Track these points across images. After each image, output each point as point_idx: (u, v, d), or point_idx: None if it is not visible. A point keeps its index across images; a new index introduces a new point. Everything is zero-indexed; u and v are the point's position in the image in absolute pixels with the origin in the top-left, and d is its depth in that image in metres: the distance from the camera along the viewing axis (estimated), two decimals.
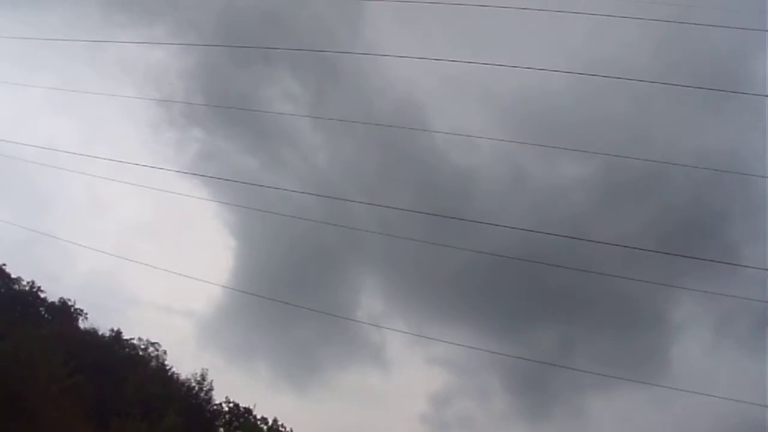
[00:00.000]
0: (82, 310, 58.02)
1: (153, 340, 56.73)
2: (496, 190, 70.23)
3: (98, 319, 58.89)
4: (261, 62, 69.66)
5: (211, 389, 53.73)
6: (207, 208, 67.28)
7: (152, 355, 56.16)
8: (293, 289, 69.97)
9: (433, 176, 70.62)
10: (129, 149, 72.13)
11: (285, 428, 53.40)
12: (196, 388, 53.07)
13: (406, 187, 70.76)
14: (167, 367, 55.72)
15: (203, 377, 53.45)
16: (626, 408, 59.15)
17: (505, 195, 69.65)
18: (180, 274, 55.92)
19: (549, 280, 52.77)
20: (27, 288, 56.93)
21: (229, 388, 55.32)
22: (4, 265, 56.91)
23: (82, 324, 57.33)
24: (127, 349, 55.54)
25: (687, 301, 57.51)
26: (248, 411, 54.39)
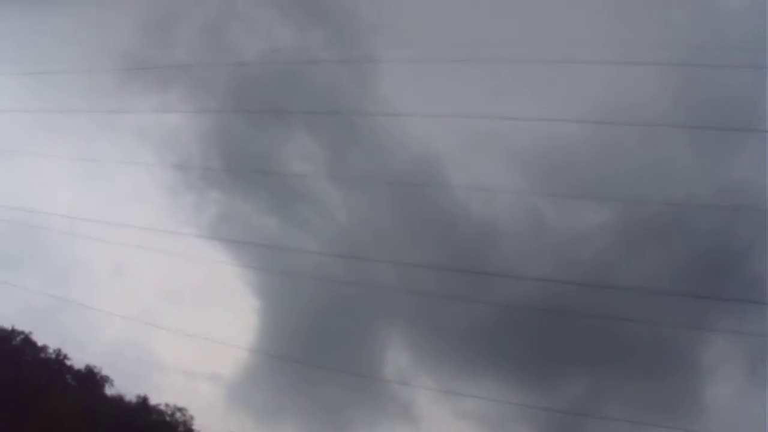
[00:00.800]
0: (108, 377, 57.91)
1: (180, 406, 56.29)
2: (518, 239, 70.16)
3: (124, 385, 58.61)
4: (276, 123, 71.06)
5: None
6: (229, 270, 67.22)
7: (179, 420, 55.65)
8: (318, 348, 69.53)
9: (455, 229, 70.76)
10: (148, 215, 73.16)
11: None
12: None
13: (427, 241, 70.96)
14: None
15: None
16: None
17: (528, 243, 69.55)
18: (205, 338, 56.29)
19: (576, 327, 52.24)
20: (53, 356, 57.11)
21: None
22: (31, 333, 57.37)
23: (109, 390, 57.18)
24: (154, 415, 55.09)
25: (717, 341, 56.53)
26: None
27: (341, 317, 71.80)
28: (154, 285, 78.91)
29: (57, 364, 56.80)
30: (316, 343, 72.02)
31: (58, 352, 56.92)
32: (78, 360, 57.59)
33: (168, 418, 55.60)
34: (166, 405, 56.26)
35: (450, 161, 71.30)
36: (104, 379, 57.62)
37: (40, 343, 57.07)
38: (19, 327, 56.92)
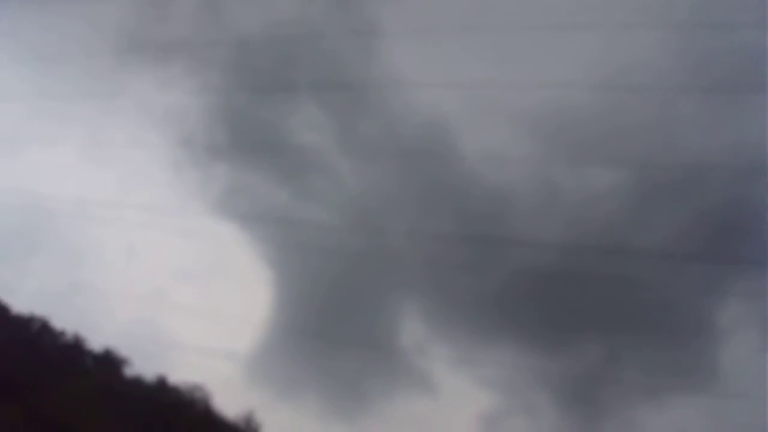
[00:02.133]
0: (126, 359, 58.59)
1: (198, 384, 56.82)
2: (529, 204, 69.35)
3: (142, 365, 59.32)
4: (282, 93, 70.04)
5: (258, 429, 53.54)
6: (241, 245, 67.09)
7: (198, 398, 56.22)
8: (335, 319, 69.74)
9: (466, 195, 70.01)
10: (157, 194, 73.09)
11: None
12: (244, 430, 52.92)
13: (438, 208, 70.34)
14: (214, 410, 55.67)
15: (250, 417, 53.32)
16: (680, 417, 57.31)
17: (539, 208, 68.74)
18: (220, 315, 56.56)
19: (591, 291, 51.79)
20: (71, 340, 57.83)
21: (279, 425, 55.03)
22: (48, 319, 58.07)
23: (127, 371, 57.88)
24: (173, 394, 55.71)
25: (733, 303, 55.82)
26: None
27: (355, 288, 71.79)
28: (167, 264, 79.41)
29: (75, 348, 57.62)
30: (331, 314, 72.28)
31: (75, 336, 57.74)
32: (95, 343, 58.47)
33: (186, 397, 56.20)
34: (184, 383, 56.84)
35: (459, 127, 70.34)
36: (122, 360, 58.45)
37: (58, 328, 58.00)
38: (37, 313, 57.78)
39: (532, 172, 62.86)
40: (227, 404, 56.15)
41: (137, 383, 55.26)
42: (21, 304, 58.32)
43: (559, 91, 46.18)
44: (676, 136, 58.14)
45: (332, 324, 70.55)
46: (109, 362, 57.51)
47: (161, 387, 55.71)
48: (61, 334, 57.83)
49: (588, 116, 59.91)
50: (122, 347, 59.10)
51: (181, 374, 58.09)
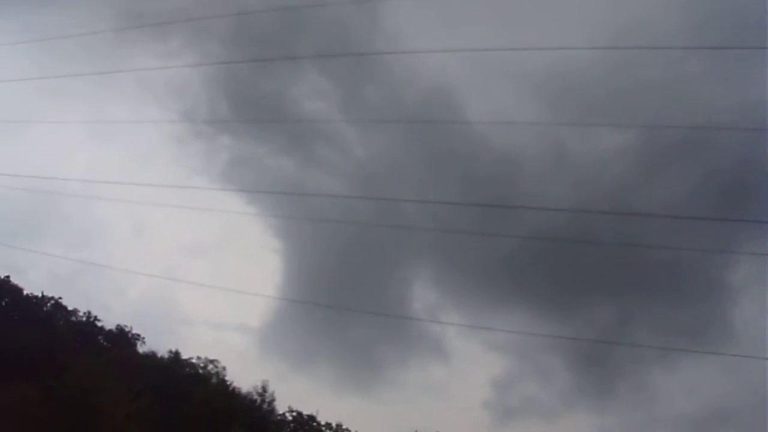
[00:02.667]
0: (139, 335, 59.02)
1: (211, 358, 57.13)
2: (538, 168, 68.74)
3: (155, 342, 59.72)
4: (284, 62, 68.86)
5: (273, 400, 53.81)
6: (248, 218, 66.62)
7: (212, 372, 56.55)
8: (346, 288, 69.85)
9: (475, 159, 69.27)
10: (162, 169, 72.78)
11: None
12: (258, 401, 53.32)
13: (447, 172, 69.74)
14: (228, 383, 56.01)
15: (264, 389, 53.65)
16: (693, 378, 57.39)
17: (548, 172, 68.13)
18: (230, 289, 56.55)
19: (602, 254, 51.38)
20: (84, 319, 58.26)
21: (294, 395, 55.52)
22: (60, 298, 58.46)
23: (141, 348, 58.37)
24: (187, 369, 56.07)
25: (743, 262, 55.39)
26: (312, 418, 54.40)
27: (365, 257, 71.57)
28: (175, 240, 79.51)
29: (89, 326, 58.04)
30: (342, 283, 72.31)
31: (88, 314, 58.16)
32: (108, 321, 58.89)
33: (201, 371, 56.54)
34: (198, 358, 57.14)
35: (465, 91, 69.43)
36: (135, 338, 58.88)
37: (70, 307, 58.44)
38: (48, 293, 58.13)
39: (540, 136, 62.10)
40: (241, 376, 56.56)
41: (151, 359, 55.63)
42: (32, 285, 58.66)
43: (564, 53, 45.34)
44: (683, 96, 57.33)
45: (343, 293, 70.68)
46: (123, 339, 57.94)
47: (175, 362, 56.06)
48: (74, 313, 58.27)
49: (594, 77, 59.07)
50: (135, 324, 59.62)
51: (194, 349, 58.51)
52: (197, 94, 73.52)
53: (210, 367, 56.93)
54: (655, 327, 60.47)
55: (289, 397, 54.55)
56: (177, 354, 56.54)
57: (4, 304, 56.92)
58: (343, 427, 53.56)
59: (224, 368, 56.85)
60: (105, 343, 57.50)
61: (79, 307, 58.60)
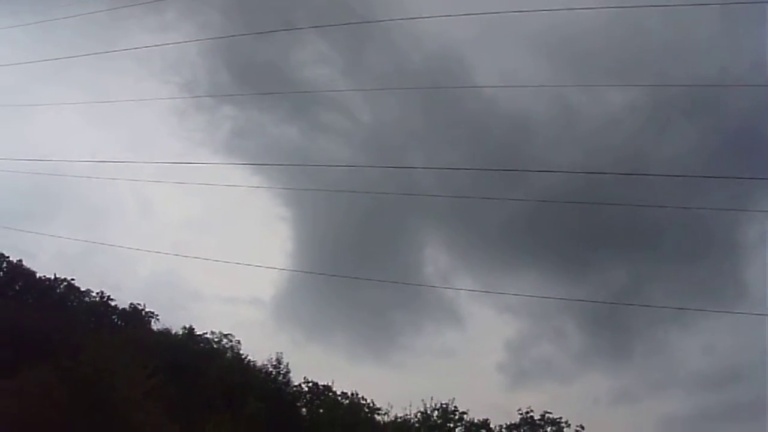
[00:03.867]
0: (153, 313, 59.48)
1: (225, 332, 57.53)
2: (548, 130, 67.71)
3: (168, 319, 60.26)
4: (284, 28, 67.09)
5: (288, 372, 54.10)
6: (255, 187, 65.71)
7: (227, 346, 57.05)
8: (357, 254, 69.69)
9: (482, 124, 68.24)
10: (165, 145, 72.37)
11: (366, 400, 53.76)
12: (274, 373, 53.72)
13: (454, 138, 68.81)
14: (243, 356, 56.50)
15: (279, 361, 53.94)
16: (710, 337, 57.23)
17: (558, 133, 67.16)
18: (241, 262, 56.48)
19: (613, 215, 50.84)
20: (97, 299, 58.76)
21: (310, 365, 55.91)
22: (73, 279, 58.89)
23: (155, 326, 58.89)
24: (201, 344, 56.61)
25: (756, 220, 54.73)
26: (327, 388, 54.83)
27: (375, 223, 71.13)
28: (183, 216, 79.53)
29: (103, 306, 58.58)
30: (354, 247, 72.07)
31: (101, 294, 58.66)
32: (121, 300, 59.36)
33: (216, 346, 57.03)
34: (212, 333, 57.56)
35: (471, 54, 68.15)
36: (149, 315, 59.39)
37: (83, 288, 58.93)
38: (60, 275, 58.56)
39: (548, 97, 61.02)
40: (256, 349, 56.90)
41: (166, 336, 56.13)
42: (44, 268, 59.05)
43: (571, 13, 44.10)
44: (694, 54, 56.02)
45: (354, 259, 70.54)
46: (137, 317, 58.46)
47: (190, 338, 56.54)
48: (87, 293, 58.78)
49: (602, 37, 57.77)
50: (147, 302, 60.04)
51: (208, 324, 58.90)
52: (196, 65, 72.46)
53: (224, 341, 57.46)
54: (670, 287, 60.26)
55: (305, 367, 54.97)
56: (191, 330, 57.08)
57: (18, 287, 57.52)
58: (359, 395, 54.03)
59: (239, 342, 57.43)
60: (119, 322, 58.07)
61: (91, 288, 59.17)
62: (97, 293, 58.85)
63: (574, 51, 61.03)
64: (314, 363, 61.67)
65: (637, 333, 62.71)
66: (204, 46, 65.04)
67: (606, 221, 55.26)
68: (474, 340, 70.11)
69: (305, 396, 54.69)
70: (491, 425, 51.74)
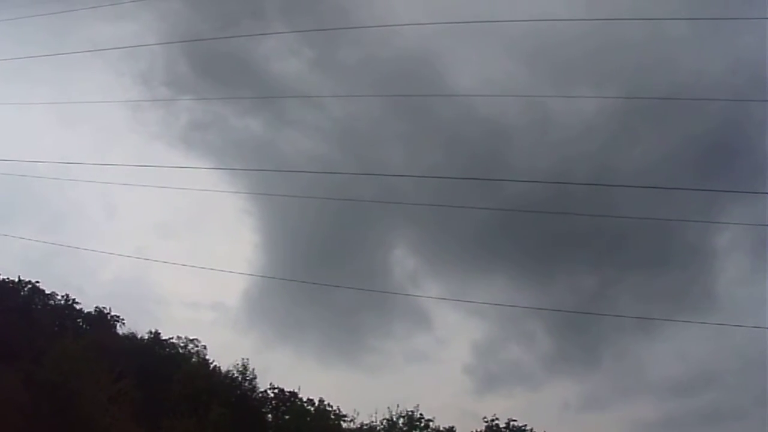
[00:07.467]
0: (118, 317, 58.97)
1: (191, 337, 57.39)
2: (521, 135, 68.12)
3: (134, 323, 59.62)
4: (249, 17, 65.22)
5: (254, 377, 54.10)
6: (220, 187, 64.29)
7: (192, 351, 56.97)
8: (326, 254, 69.27)
9: (455, 127, 68.41)
10: (122, 140, 70.79)
11: (332, 407, 53.95)
12: (239, 379, 53.71)
13: (426, 141, 68.84)
14: (209, 362, 56.33)
15: (245, 366, 53.92)
16: (680, 343, 58.19)
17: (531, 139, 67.60)
18: (206, 267, 56.07)
19: (581, 221, 51.62)
20: (62, 302, 58.10)
21: (278, 369, 55.55)
22: (38, 282, 58.12)
23: (121, 330, 58.40)
24: (167, 349, 56.41)
25: (725, 228, 56.01)
26: (294, 394, 54.91)
27: (345, 222, 70.63)
28: (147, 219, 78.19)
29: (67, 309, 57.93)
30: (322, 249, 71.73)
31: (66, 297, 57.99)
32: (86, 304, 58.66)
33: (181, 350, 56.88)
34: (178, 337, 57.41)
35: (446, 58, 68.21)
36: (115, 319, 58.85)
37: (47, 291, 58.17)
38: (24, 277, 57.72)
39: (523, 103, 61.43)
40: (222, 354, 56.65)
41: (131, 340, 55.81)
42: (6, 271, 57.92)
43: (547, 20, 44.78)
44: (668, 59, 56.94)
45: (324, 261, 70.33)
46: (102, 321, 57.91)
47: (155, 342, 56.31)
48: (52, 296, 58.04)
49: (577, 42, 58.37)
50: (113, 306, 59.37)
51: (173, 329, 58.55)
52: (154, 55, 70.32)
53: (190, 346, 57.35)
54: (638, 293, 61.32)
55: (272, 372, 54.98)
56: (157, 334, 56.89)
57: None
58: (325, 402, 54.21)
59: (204, 347, 57.35)
60: (84, 326, 57.44)
61: (56, 291, 58.46)
62: (62, 296, 58.24)
63: (550, 57, 61.57)
64: (282, 366, 61.85)
65: (606, 338, 63.66)
66: (163, 34, 63.46)
67: (576, 227, 56.06)
68: (442, 342, 70.76)
69: (271, 402, 54.74)
70: None
